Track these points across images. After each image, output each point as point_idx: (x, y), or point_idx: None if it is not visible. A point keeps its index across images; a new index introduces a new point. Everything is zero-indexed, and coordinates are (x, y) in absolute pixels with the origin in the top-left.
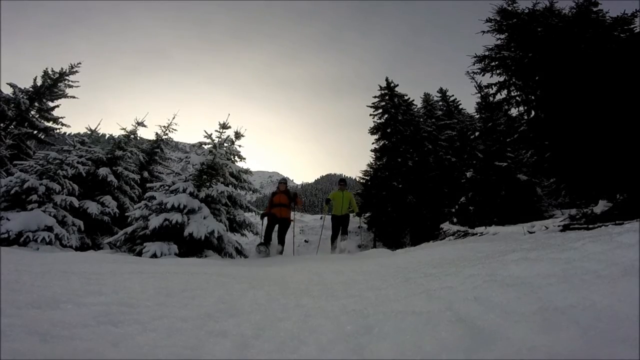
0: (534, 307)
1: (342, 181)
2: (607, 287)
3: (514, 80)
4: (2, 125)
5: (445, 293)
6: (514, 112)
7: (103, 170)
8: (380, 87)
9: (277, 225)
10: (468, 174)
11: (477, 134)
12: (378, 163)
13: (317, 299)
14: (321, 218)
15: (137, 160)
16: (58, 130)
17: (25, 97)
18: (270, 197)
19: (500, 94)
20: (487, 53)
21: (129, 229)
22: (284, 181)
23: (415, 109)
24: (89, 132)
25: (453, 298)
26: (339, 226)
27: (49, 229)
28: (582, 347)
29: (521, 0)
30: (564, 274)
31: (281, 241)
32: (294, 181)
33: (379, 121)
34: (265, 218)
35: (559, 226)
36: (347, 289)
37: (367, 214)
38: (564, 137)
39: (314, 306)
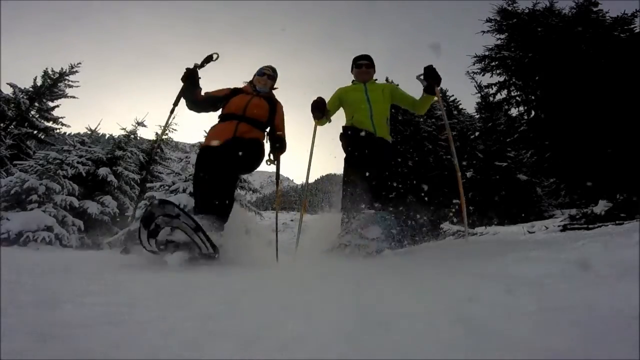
0: (534, 307)
1: (365, 58)
2: (607, 287)
3: (514, 80)
4: (2, 125)
5: (445, 293)
6: (514, 112)
7: (103, 170)
8: None
9: (218, 162)
10: (468, 174)
11: (477, 134)
12: None
13: (319, 299)
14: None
15: (137, 160)
16: (58, 130)
17: (25, 97)
18: (223, 95)
19: (500, 94)
20: (487, 53)
21: (129, 229)
22: (269, 70)
23: None
24: (89, 132)
25: (453, 298)
26: (362, 175)
27: (49, 229)
28: (582, 347)
29: (521, 0)
30: (564, 274)
31: (220, 212)
32: (294, 181)
33: None
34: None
35: (559, 226)
36: (348, 289)
37: None
38: (564, 137)
39: (316, 306)
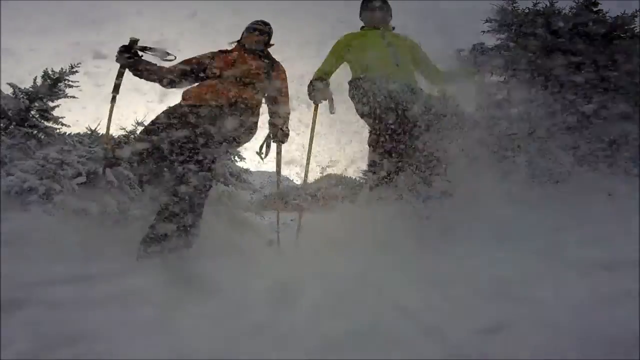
0: (534, 307)
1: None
2: (607, 287)
3: (514, 80)
4: (2, 125)
5: (445, 292)
6: (514, 112)
7: None
8: None
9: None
10: None
11: None
12: None
13: (322, 298)
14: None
15: None
16: (58, 130)
17: (25, 97)
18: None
19: (501, 94)
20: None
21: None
22: (260, 25)
23: None
24: (89, 132)
25: (453, 298)
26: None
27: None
28: (582, 347)
29: (521, 0)
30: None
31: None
32: (294, 181)
33: None
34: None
35: None
36: (351, 288)
37: None
38: None
39: (320, 304)
